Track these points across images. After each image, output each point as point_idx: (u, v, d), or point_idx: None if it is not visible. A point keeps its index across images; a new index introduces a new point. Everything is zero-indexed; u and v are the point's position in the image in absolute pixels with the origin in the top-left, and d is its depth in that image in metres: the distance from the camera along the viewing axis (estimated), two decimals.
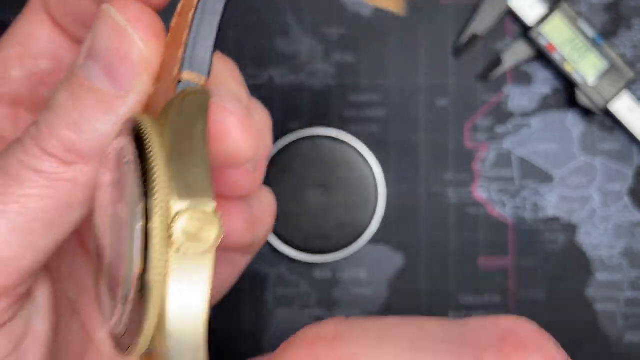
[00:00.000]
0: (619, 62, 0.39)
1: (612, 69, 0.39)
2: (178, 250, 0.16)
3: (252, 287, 0.40)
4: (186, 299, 0.16)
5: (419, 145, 0.40)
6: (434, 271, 0.40)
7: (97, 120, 0.19)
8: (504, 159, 0.40)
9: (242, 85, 0.22)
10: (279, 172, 0.39)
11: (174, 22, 0.20)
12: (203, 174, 0.16)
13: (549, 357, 0.17)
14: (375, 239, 0.40)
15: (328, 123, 0.40)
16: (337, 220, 0.39)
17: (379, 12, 0.40)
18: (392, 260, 0.40)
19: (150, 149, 0.16)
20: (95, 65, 0.19)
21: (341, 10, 0.40)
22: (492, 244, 0.40)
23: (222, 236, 0.16)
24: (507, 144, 0.40)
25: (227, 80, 0.21)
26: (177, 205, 0.16)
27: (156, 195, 0.16)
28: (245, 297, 0.39)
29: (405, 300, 0.40)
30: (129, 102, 0.19)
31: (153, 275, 0.16)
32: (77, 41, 0.25)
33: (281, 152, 0.39)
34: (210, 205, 0.16)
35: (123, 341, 0.17)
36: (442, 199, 0.40)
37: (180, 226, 0.16)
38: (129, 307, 0.17)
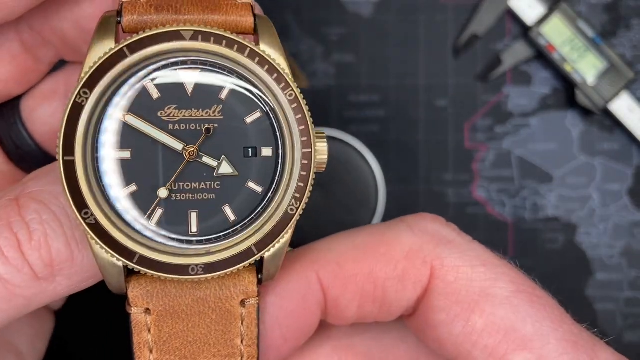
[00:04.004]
0: (619, 62, 0.39)
1: (611, 69, 0.39)
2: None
3: None
4: None
5: (419, 146, 0.40)
6: None
7: None
8: (503, 159, 0.40)
9: None
10: None
11: None
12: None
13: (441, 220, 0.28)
14: None
15: (328, 123, 0.40)
16: (337, 220, 0.39)
17: (379, 12, 0.40)
18: None
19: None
20: None
21: (341, 10, 0.40)
22: (492, 243, 0.40)
23: None
24: (506, 144, 0.40)
25: None
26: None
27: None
28: None
29: None
30: None
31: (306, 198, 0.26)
32: (41, 60, 0.29)
33: None
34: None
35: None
36: (442, 198, 0.40)
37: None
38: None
